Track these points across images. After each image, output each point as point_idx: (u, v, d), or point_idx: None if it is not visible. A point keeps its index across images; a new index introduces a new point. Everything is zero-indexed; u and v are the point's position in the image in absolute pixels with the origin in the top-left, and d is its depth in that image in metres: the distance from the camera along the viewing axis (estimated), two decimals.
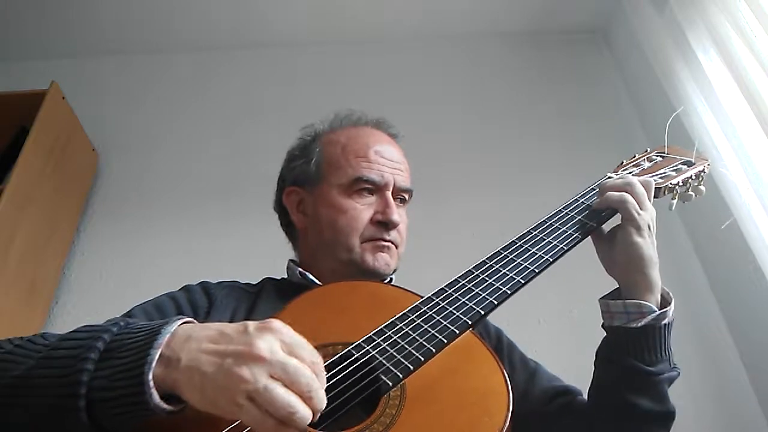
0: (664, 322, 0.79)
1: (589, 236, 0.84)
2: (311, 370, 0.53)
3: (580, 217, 0.84)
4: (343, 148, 1.00)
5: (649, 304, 0.79)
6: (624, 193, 0.82)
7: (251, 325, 0.55)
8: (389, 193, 0.97)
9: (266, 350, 0.52)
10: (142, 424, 0.54)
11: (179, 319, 0.57)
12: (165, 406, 0.52)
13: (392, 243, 0.96)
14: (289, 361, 0.52)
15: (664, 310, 0.79)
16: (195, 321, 0.59)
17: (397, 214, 0.96)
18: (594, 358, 0.85)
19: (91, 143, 2.06)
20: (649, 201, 0.83)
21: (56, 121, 1.89)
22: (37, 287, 1.71)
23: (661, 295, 0.82)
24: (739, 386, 1.60)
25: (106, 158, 2.12)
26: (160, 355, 0.53)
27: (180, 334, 0.55)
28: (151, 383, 0.52)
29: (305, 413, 0.51)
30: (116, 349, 0.55)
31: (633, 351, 0.78)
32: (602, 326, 0.83)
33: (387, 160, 0.98)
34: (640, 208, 0.81)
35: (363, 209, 0.95)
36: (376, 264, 0.94)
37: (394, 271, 1.00)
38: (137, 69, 2.34)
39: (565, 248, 0.80)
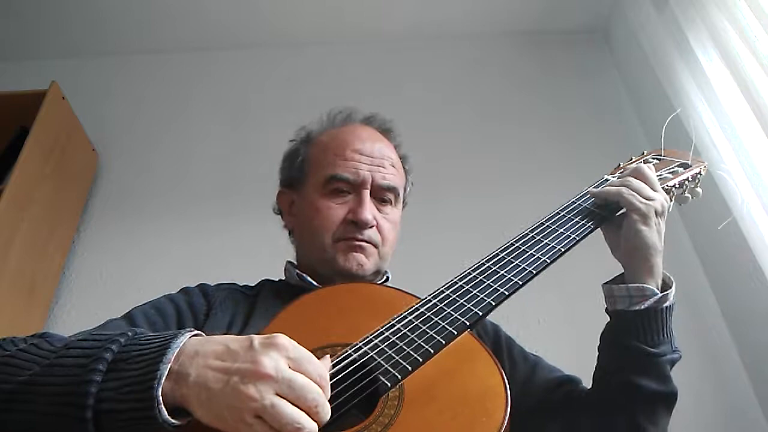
0: (665, 304, 0.81)
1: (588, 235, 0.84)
2: (317, 385, 0.54)
3: (576, 219, 0.85)
4: (324, 148, 0.99)
5: (651, 287, 0.81)
6: (621, 187, 0.84)
7: (257, 340, 0.55)
8: (366, 192, 0.95)
9: (272, 368, 0.52)
10: None
11: (189, 331, 0.57)
12: (172, 421, 0.52)
13: (368, 242, 0.94)
14: (296, 377, 0.52)
15: (666, 292, 0.81)
16: (203, 333, 0.59)
17: (371, 212, 0.94)
18: (597, 346, 0.86)
19: (91, 143, 2.06)
20: (655, 189, 0.85)
21: (56, 121, 1.89)
22: (37, 287, 1.71)
23: (663, 280, 0.84)
24: (739, 386, 1.60)
25: (106, 158, 2.12)
26: (168, 371, 0.53)
27: (188, 349, 0.55)
28: (160, 398, 0.52)
29: (312, 428, 0.52)
30: (124, 361, 0.54)
31: (636, 333, 0.80)
32: (605, 311, 0.85)
33: (366, 156, 0.96)
34: (644, 196, 0.82)
35: (337, 208, 0.94)
36: (347, 264, 0.92)
37: (384, 273, 1.00)
38: (137, 69, 2.34)
39: (563, 249, 0.80)
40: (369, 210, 0.94)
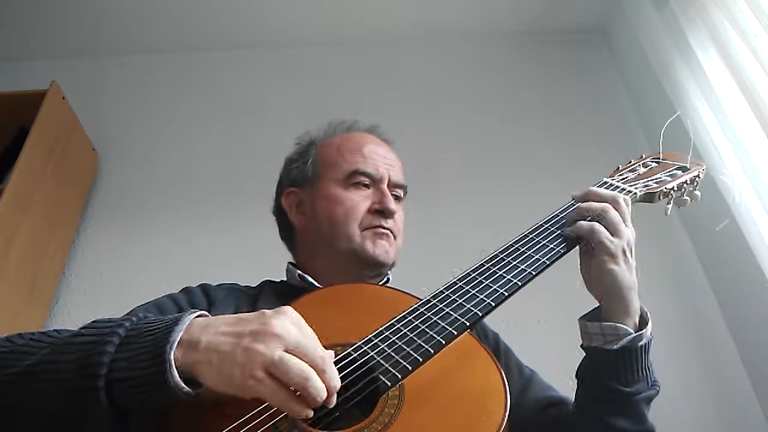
0: (640, 343, 0.78)
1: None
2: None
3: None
4: (338, 147, 1.04)
5: (626, 327, 0.78)
6: (594, 224, 0.80)
7: (267, 310, 0.59)
8: (385, 186, 1.00)
9: (281, 328, 0.56)
10: (157, 410, 0.56)
11: (195, 311, 0.60)
12: (184, 386, 0.54)
13: (390, 231, 0.98)
14: (302, 338, 0.56)
15: (640, 332, 0.78)
16: (208, 314, 0.61)
17: (394, 204, 0.99)
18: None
19: (91, 143, 2.06)
20: (626, 223, 0.81)
21: (56, 121, 1.89)
22: (37, 287, 1.71)
23: (640, 315, 0.81)
24: (739, 386, 1.60)
25: (106, 158, 2.12)
26: (180, 340, 0.55)
27: (198, 322, 0.58)
28: (172, 362, 0.54)
29: (319, 384, 0.54)
30: (136, 336, 0.57)
31: (610, 372, 0.78)
32: (581, 346, 0.83)
33: (381, 156, 1.03)
34: (613, 234, 0.79)
35: (360, 200, 0.98)
36: (376, 251, 0.95)
37: (392, 266, 1.01)
38: (137, 69, 2.34)
39: (562, 251, 0.80)
40: (392, 201, 0.99)
